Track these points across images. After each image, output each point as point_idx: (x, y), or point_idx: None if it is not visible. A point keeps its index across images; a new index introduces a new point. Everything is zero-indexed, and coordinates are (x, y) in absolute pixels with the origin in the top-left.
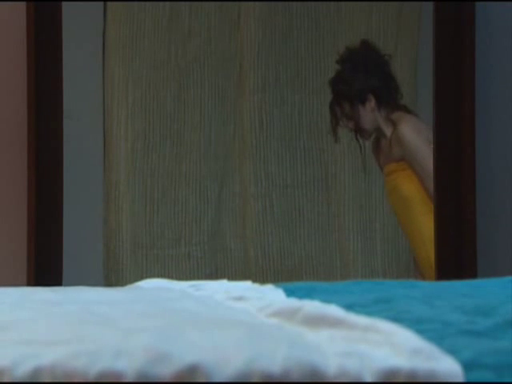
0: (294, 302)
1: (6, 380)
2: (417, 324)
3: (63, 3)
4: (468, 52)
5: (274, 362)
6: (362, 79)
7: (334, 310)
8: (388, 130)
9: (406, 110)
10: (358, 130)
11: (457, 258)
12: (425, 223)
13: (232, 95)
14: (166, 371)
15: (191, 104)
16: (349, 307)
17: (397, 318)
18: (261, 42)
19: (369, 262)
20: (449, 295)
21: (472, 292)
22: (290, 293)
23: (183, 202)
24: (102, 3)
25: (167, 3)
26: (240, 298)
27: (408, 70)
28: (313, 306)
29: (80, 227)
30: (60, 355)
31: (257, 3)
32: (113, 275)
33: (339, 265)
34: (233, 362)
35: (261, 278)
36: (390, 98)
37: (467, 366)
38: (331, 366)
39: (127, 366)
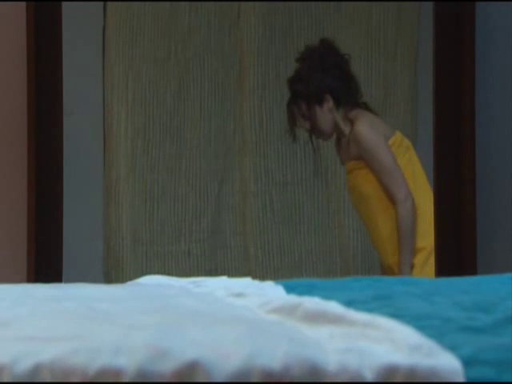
0: (293, 299)
1: (5, 376)
2: (416, 320)
3: (63, 2)
4: (468, 52)
5: (274, 358)
6: (319, 79)
7: (333, 307)
8: (346, 129)
9: (366, 107)
10: (315, 131)
11: (456, 253)
12: (382, 222)
13: (232, 92)
14: (165, 368)
15: (191, 101)
16: (348, 304)
17: (396, 315)
18: (261, 39)
19: (368, 258)
20: (448, 292)
21: (472, 288)
22: (289, 289)
23: (183, 199)
24: (101, 1)
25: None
26: (240, 295)
27: (408, 69)
28: (313, 302)
29: (80, 224)
30: (60, 352)
31: (256, 1)
32: (113, 272)
33: (339, 261)
34: (233, 359)
35: (261, 274)
36: (348, 98)
37: (467, 363)
38: (331, 362)
39: (127, 363)
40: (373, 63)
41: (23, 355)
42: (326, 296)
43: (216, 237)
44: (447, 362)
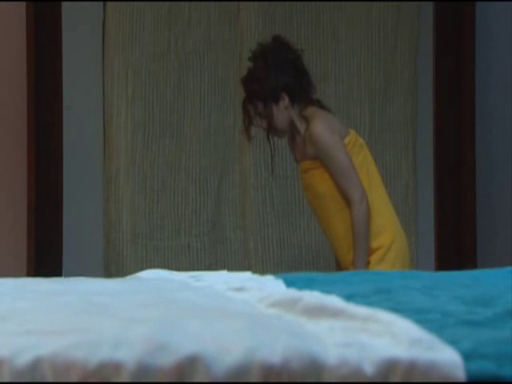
0: (293, 293)
1: (5, 370)
2: (417, 314)
3: (63, 2)
4: (468, 52)
5: (274, 352)
6: (274, 77)
7: (333, 301)
8: (302, 127)
9: (320, 105)
10: (271, 129)
11: (457, 248)
12: (338, 220)
13: (232, 86)
14: (165, 361)
15: (191, 95)
16: (349, 298)
17: (397, 309)
18: (261, 32)
19: None
20: (449, 286)
21: (472, 282)
22: (289, 283)
23: (183, 193)
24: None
25: None
26: (240, 289)
27: (408, 63)
28: (312, 296)
29: (80, 218)
30: (60, 345)
31: None
32: (113, 266)
33: None
34: (233, 352)
35: (261, 268)
36: (303, 94)
37: (467, 356)
38: (331, 356)
39: (127, 356)
40: (373, 57)
41: (23, 349)
42: (326, 290)
43: (216, 231)
44: (447, 355)
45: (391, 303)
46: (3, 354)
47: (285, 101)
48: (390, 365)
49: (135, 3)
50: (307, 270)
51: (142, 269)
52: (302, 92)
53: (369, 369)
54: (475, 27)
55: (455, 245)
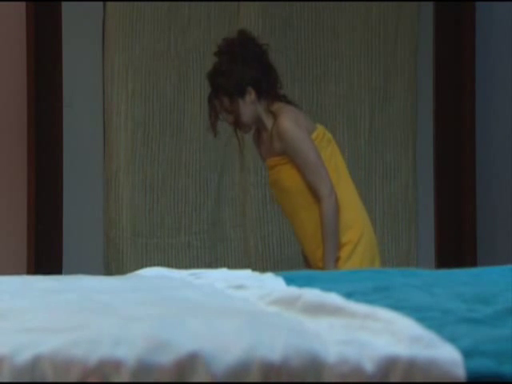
0: (293, 291)
1: (5, 367)
2: (416, 312)
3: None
4: (468, 51)
5: (274, 349)
6: (240, 72)
7: (333, 299)
8: (269, 123)
9: (286, 100)
10: (238, 124)
11: (457, 247)
12: (306, 216)
13: None
14: (165, 359)
15: (191, 93)
16: (349, 295)
17: (396, 306)
18: (260, 31)
19: None
20: (449, 283)
21: (472, 280)
22: (289, 281)
23: (183, 191)
24: None
25: None
26: (240, 287)
27: (408, 62)
28: (312, 294)
29: (80, 216)
30: (60, 343)
31: None
32: (113, 264)
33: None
34: (233, 350)
35: (261, 266)
36: (269, 89)
37: (467, 354)
38: (331, 353)
39: (127, 354)
40: (373, 56)
41: (23, 347)
42: (326, 288)
43: (216, 229)
44: (447, 353)
45: (391, 301)
46: (3, 352)
47: (251, 95)
48: (390, 362)
49: (135, 3)
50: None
51: (142, 267)
52: (269, 87)
53: (369, 366)
54: (475, 27)
55: (455, 243)
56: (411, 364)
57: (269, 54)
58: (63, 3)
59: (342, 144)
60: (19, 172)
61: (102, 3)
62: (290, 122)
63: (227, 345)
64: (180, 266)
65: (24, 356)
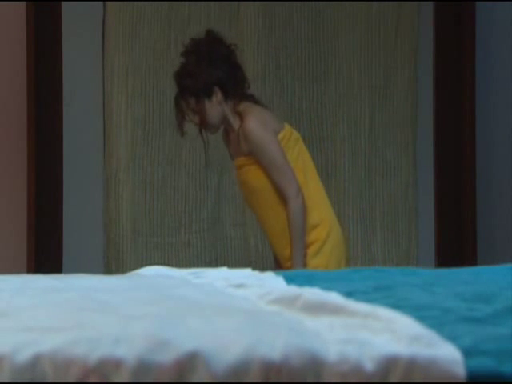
0: (293, 290)
1: (6, 366)
2: (417, 311)
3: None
4: (468, 52)
5: (274, 348)
6: (207, 72)
7: (333, 298)
8: (235, 123)
9: (254, 100)
10: (204, 125)
11: (457, 245)
12: (274, 216)
13: None
14: (165, 358)
15: None
16: (349, 294)
17: (397, 305)
18: (261, 29)
19: (369, 249)
20: (449, 282)
21: (472, 279)
22: (290, 280)
23: (183, 190)
24: None
25: None
26: (240, 286)
27: (408, 61)
28: (313, 293)
29: (80, 215)
30: (60, 342)
31: None
32: (113, 263)
33: None
34: (233, 349)
35: (261, 265)
36: (236, 89)
37: (467, 353)
38: (331, 352)
39: (127, 353)
40: (373, 55)
41: (23, 345)
42: (327, 287)
43: (216, 228)
44: (447, 352)
45: (391, 300)
46: (3, 351)
47: (217, 96)
48: (390, 361)
49: (135, 3)
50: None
51: (142, 266)
52: (236, 87)
53: (369, 365)
54: (475, 27)
55: (455, 242)
56: (411, 363)
57: (237, 54)
58: (63, 3)
59: (342, 143)
60: (19, 172)
61: (101, 3)
62: (255, 122)
63: (227, 344)
64: (180, 265)
65: (24, 355)
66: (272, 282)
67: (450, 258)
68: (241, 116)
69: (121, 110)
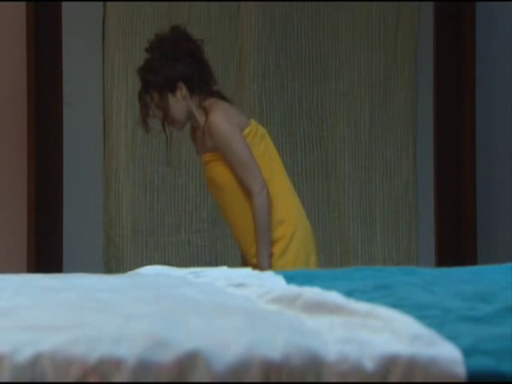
0: (293, 289)
1: (6, 366)
2: (417, 310)
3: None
4: (468, 52)
5: (274, 348)
6: (171, 67)
7: (333, 297)
8: (201, 119)
9: (220, 96)
10: (169, 120)
11: (457, 245)
12: (240, 213)
13: (232, 82)
14: (165, 357)
15: None
16: (349, 294)
17: (397, 305)
18: (261, 29)
19: (369, 249)
20: (449, 282)
21: (472, 279)
22: (289, 279)
23: (183, 190)
24: None
25: None
26: (240, 285)
27: (408, 59)
28: (313, 292)
29: (80, 214)
30: (60, 341)
31: None
32: (113, 262)
33: (339, 252)
34: (233, 348)
35: None
36: (202, 85)
37: (467, 352)
38: (331, 352)
39: (127, 352)
40: (373, 54)
41: (23, 345)
42: (326, 286)
43: (216, 227)
44: (447, 351)
45: (391, 299)
46: (3, 350)
47: (182, 91)
48: (390, 361)
49: (135, 3)
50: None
51: (142, 265)
52: (201, 83)
53: (369, 365)
54: (475, 27)
55: (455, 241)
56: (411, 362)
57: (203, 50)
58: (63, 3)
59: (342, 143)
60: (19, 171)
61: (101, 3)
62: (220, 118)
63: (227, 343)
64: (180, 265)
65: (24, 354)
66: (272, 282)
67: (450, 258)
68: (206, 112)
69: (121, 109)
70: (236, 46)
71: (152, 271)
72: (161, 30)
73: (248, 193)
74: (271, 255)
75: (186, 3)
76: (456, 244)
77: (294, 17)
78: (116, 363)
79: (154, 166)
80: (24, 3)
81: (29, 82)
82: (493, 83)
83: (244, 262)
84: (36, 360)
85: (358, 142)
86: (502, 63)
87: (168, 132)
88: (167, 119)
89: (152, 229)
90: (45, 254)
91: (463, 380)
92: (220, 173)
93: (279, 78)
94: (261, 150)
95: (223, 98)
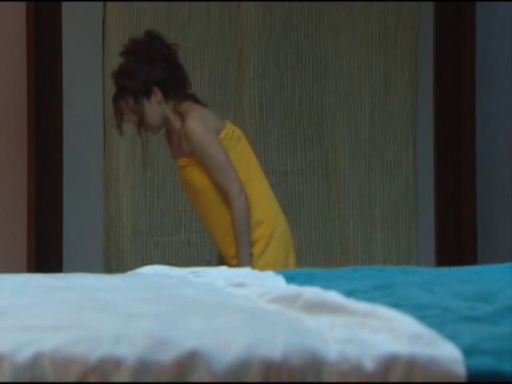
0: (294, 289)
1: (6, 365)
2: (417, 310)
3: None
4: (468, 52)
5: (274, 347)
6: (145, 72)
7: (333, 297)
8: (177, 123)
9: (195, 100)
10: (144, 125)
11: (457, 244)
12: (219, 216)
13: (232, 82)
14: (165, 357)
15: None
16: (349, 293)
17: (397, 304)
18: (261, 28)
19: (369, 248)
20: (449, 281)
21: (472, 278)
22: (289, 279)
23: (183, 189)
24: None
25: None
26: (240, 285)
27: (408, 59)
28: (313, 292)
29: (80, 214)
30: (60, 341)
31: None
32: (113, 262)
33: (339, 251)
34: (233, 348)
35: None
36: (177, 89)
37: (467, 352)
38: (331, 351)
39: (127, 352)
40: (373, 53)
41: (23, 344)
42: (327, 286)
43: None
44: (447, 351)
45: (391, 299)
46: (3, 350)
47: (157, 95)
48: (390, 361)
49: (135, 3)
50: (307, 265)
51: (142, 264)
52: (176, 87)
53: (369, 364)
54: (475, 27)
55: (455, 241)
56: (411, 362)
57: (177, 54)
58: (63, 3)
59: (342, 141)
60: (19, 172)
61: (101, 3)
62: (196, 122)
63: (227, 343)
64: (180, 264)
65: (24, 354)
66: (272, 281)
67: (450, 258)
68: (182, 116)
69: None
70: (236, 46)
71: (152, 271)
72: (135, 34)
73: (226, 196)
74: (251, 255)
75: (186, 3)
76: (456, 244)
77: (294, 17)
78: (116, 363)
79: (153, 165)
80: (24, 3)
81: (29, 82)
82: (493, 83)
83: (222, 264)
84: (36, 360)
85: (358, 142)
86: (501, 63)
87: (143, 136)
88: (142, 124)
89: (152, 229)
90: (45, 254)
91: (463, 380)
92: (197, 177)
93: (279, 77)
94: (237, 152)
95: (198, 101)
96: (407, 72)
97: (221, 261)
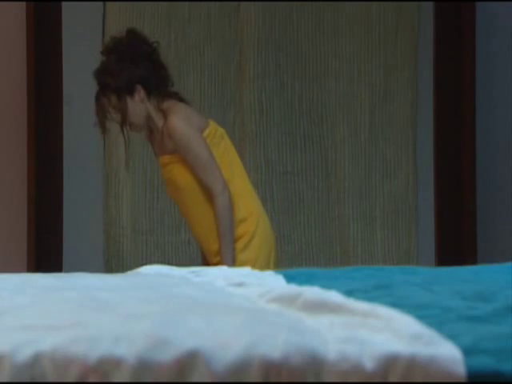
0: (294, 288)
1: (6, 365)
2: (417, 310)
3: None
4: (468, 52)
5: (274, 347)
6: (128, 70)
7: (333, 296)
8: (159, 121)
9: (179, 98)
10: (127, 123)
11: (457, 244)
12: (201, 213)
13: (232, 82)
14: (165, 357)
15: (191, 91)
16: (349, 293)
17: (397, 304)
18: (261, 28)
19: (369, 248)
20: (449, 281)
21: (472, 278)
22: (290, 279)
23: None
24: None
25: None
26: (240, 284)
27: (408, 59)
28: (313, 291)
29: (80, 214)
30: (60, 340)
31: None
32: (113, 261)
33: (339, 251)
34: (233, 348)
35: None
36: (160, 87)
37: (467, 351)
38: (331, 351)
39: (127, 352)
40: (373, 54)
41: (23, 344)
42: (327, 285)
43: None
44: (447, 351)
45: (391, 299)
46: (3, 350)
47: (140, 94)
48: (390, 360)
49: (135, 3)
50: (307, 265)
51: (142, 264)
52: (159, 85)
53: (369, 364)
54: (475, 27)
55: (455, 241)
56: (411, 362)
57: (159, 52)
58: (63, 3)
59: (342, 143)
60: (19, 171)
61: (102, 3)
62: (179, 120)
63: (227, 342)
64: (180, 264)
65: (24, 354)
66: (272, 281)
67: (450, 257)
68: (165, 114)
69: None
70: (236, 46)
71: (152, 270)
72: (117, 32)
73: (209, 193)
74: (233, 250)
75: (186, 3)
76: (456, 244)
77: (294, 16)
78: (116, 363)
79: (153, 165)
80: (24, 3)
81: (29, 82)
82: (493, 83)
83: (204, 261)
84: (36, 359)
85: (358, 142)
86: (501, 63)
87: (126, 135)
88: (125, 122)
89: (152, 228)
90: (45, 254)
91: (463, 379)
92: (180, 174)
93: (279, 77)
94: (220, 150)
95: (181, 99)
96: (407, 72)
97: (203, 258)
